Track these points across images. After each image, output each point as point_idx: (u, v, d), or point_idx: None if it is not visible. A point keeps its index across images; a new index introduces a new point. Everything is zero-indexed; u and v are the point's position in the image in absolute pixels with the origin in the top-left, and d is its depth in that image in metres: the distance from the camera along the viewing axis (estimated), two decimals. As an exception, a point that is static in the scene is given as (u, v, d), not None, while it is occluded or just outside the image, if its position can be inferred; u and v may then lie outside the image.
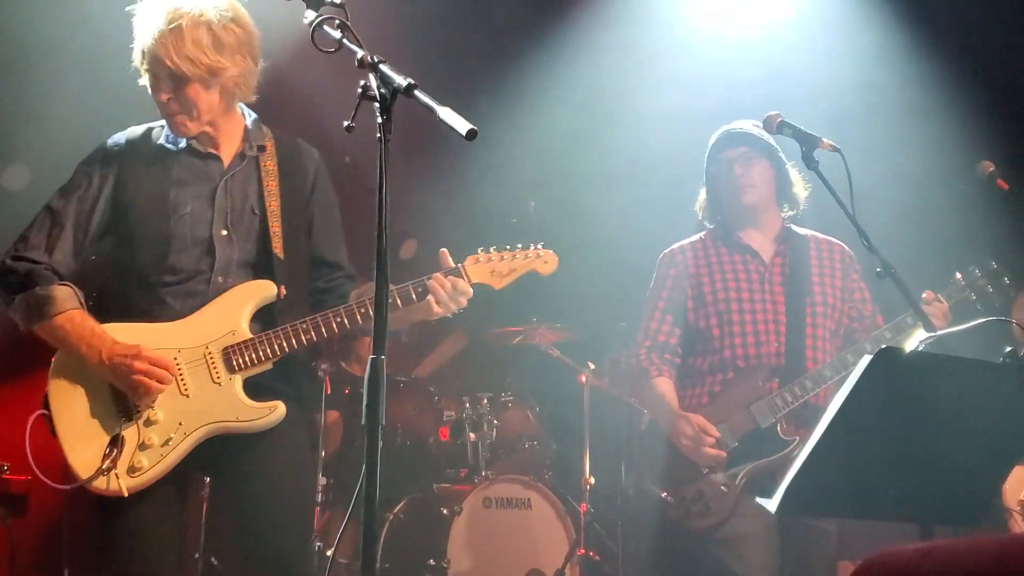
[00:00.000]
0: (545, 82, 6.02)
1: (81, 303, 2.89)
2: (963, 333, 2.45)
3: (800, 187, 3.69)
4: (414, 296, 2.91)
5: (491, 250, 3.03)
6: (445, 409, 5.35)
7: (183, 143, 3.00)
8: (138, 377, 2.78)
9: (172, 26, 2.87)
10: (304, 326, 2.90)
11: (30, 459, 2.81)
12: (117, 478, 2.76)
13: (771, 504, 2.20)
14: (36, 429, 2.82)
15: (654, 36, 5.75)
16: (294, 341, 2.89)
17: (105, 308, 2.92)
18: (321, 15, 2.27)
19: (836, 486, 2.17)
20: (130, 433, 2.81)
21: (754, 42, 5.49)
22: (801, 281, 3.60)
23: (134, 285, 2.92)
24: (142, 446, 2.80)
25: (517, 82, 6.04)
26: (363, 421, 2.01)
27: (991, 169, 3.24)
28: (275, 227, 2.98)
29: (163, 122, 3.04)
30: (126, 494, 2.77)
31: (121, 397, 2.85)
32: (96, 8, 4.58)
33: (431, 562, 4.72)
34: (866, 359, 2.06)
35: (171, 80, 2.91)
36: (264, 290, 2.94)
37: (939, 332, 2.44)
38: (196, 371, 2.87)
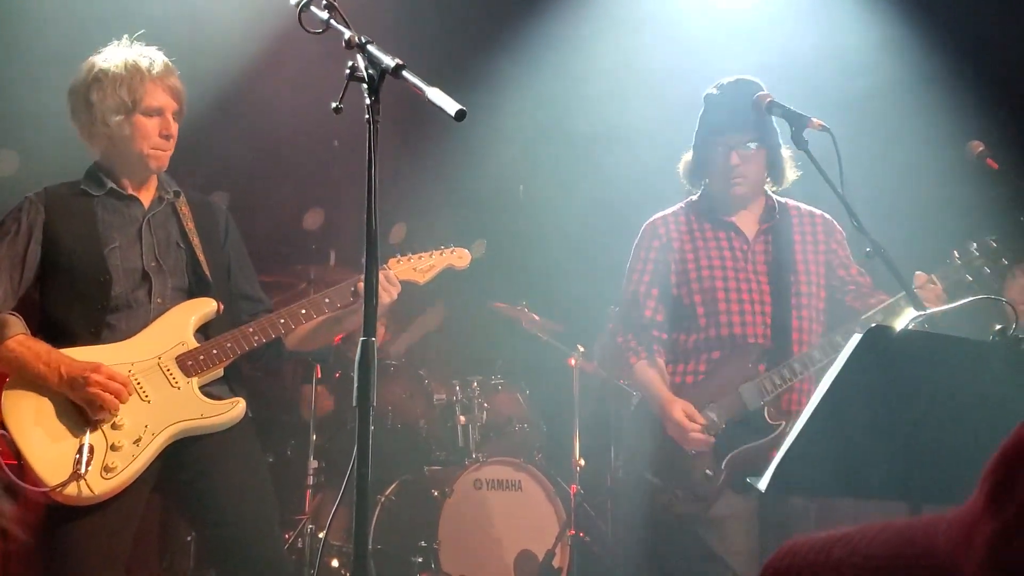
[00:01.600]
0: (534, 66, 6.00)
1: (27, 330, 2.97)
2: (953, 311, 2.45)
3: (791, 168, 3.56)
4: (350, 295, 3.17)
5: (408, 254, 3.36)
6: (435, 392, 5.35)
7: (106, 188, 3.14)
8: (94, 390, 2.86)
9: (168, 68, 3.14)
10: (251, 329, 3.09)
11: (4, 468, 2.81)
12: (88, 485, 2.81)
13: (760, 483, 2.20)
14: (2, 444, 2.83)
15: (644, 21, 5.72)
16: (244, 343, 3.07)
17: (50, 338, 2.99)
18: (308, -5, 2.25)
19: (825, 465, 2.17)
20: (97, 439, 2.87)
21: (743, 22, 5.48)
22: (785, 259, 3.52)
23: (77, 314, 3.01)
24: (113, 447, 2.87)
25: (506, 66, 6.02)
26: (354, 403, 2.00)
27: (980, 149, 3.23)
28: (201, 257, 3.16)
29: (74, 181, 3.17)
30: (97, 494, 2.81)
31: (82, 408, 2.90)
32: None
33: (422, 543, 4.74)
34: (856, 338, 2.06)
35: (176, 114, 3.16)
36: (205, 306, 3.12)
37: (929, 311, 2.45)
38: (152, 378, 2.99)
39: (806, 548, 1.15)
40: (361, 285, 3.06)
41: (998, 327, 2.13)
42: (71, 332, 3.00)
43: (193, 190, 3.34)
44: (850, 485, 2.27)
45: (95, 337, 3.00)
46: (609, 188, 5.79)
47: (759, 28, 5.37)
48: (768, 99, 3.22)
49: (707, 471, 3.33)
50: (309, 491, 4.96)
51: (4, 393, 2.90)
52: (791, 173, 3.57)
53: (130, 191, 3.16)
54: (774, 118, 3.33)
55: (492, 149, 6.06)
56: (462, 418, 5.25)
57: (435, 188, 6.34)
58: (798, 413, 3.26)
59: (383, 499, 4.91)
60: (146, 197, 3.19)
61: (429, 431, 5.32)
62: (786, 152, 3.54)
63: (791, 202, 3.66)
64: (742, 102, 3.41)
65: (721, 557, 3.32)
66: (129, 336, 3.03)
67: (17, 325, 2.97)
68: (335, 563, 4.82)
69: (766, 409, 3.34)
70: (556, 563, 4.97)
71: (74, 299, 3.02)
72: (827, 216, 3.63)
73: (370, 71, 2.09)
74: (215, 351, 3.04)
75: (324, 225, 6.41)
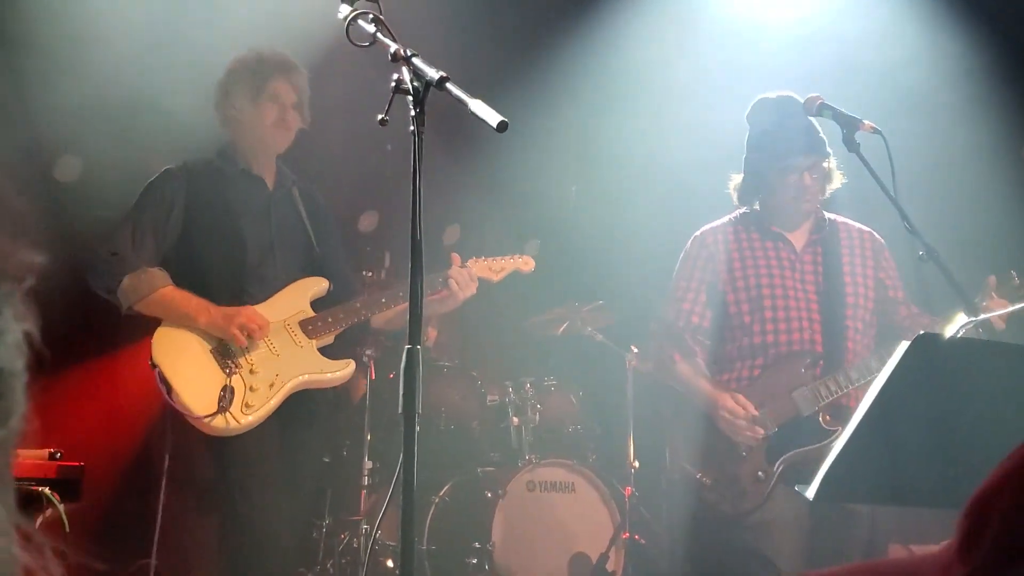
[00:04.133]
0: (588, 67, 5.99)
1: (172, 282, 3.50)
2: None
3: (837, 177, 3.59)
4: (438, 283, 3.61)
5: (482, 257, 3.76)
6: (488, 393, 5.37)
7: (238, 167, 3.65)
8: (242, 320, 3.39)
9: (292, 66, 3.69)
10: (358, 304, 3.60)
11: (171, 404, 3.38)
12: (233, 417, 3.34)
13: (809, 491, 2.19)
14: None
15: (696, 20, 5.70)
16: (353, 315, 3.58)
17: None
18: (355, 10, 2.30)
19: (874, 473, 2.16)
20: (237, 382, 3.41)
21: (793, 21, 5.43)
22: (833, 270, 3.55)
23: (218, 282, 3.51)
24: (251, 389, 3.40)
25: (559, 67, 6.02)
26: (400, 410, 2.04)
27: (1038, 149, 3.17)
28: (313, 239, 3.69)
29: (209, 157, 3.69)
30: (242, 425, 3.34)
31: (223, 356, 3.44)
32: (149, 3, 4.66)
33: (476, 545, 4.76)
34: (904, 345, 2.04)
35: (295, 106, 3.67)
36: (319, 284, 3.64)
37: (981, 317, 2.41)
38: (280, 336, 3.53)
39: None
40: (449, 275, 3.57)
41: (1052, 333, 2.10)
42: (208, 295, 3.47)
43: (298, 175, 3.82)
44: (900, 493, 2.25)
45: (233, 300, 3.49)
46: (663, 188, 5.76)
47: (811, 29, 5.31)
48: (819, 101, 3.20)
49: (759, 473, 3.33)
50: (364, 492, 5.01)
51: (155, 337, 3.42)
52: (837, 180, 3.59)
53: (257, 173, 3.66)
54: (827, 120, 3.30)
55: (545, 150, 6.06)
56: (515, 419, 5.26)
57: (488, 189, 6.36)
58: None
59: (437, 500, 4.94)
60: (270, 179, 3.70)
61: (482, 432, 5.34)
62: (832, 161, 3.57)
63: (839, 218, 3.69)
64: (801, 121, 3.44)
65: (767, 558, 3.31)
66: (257, 303, 3.53)
67: (167, 277, 3.48)
68: (390, 563, 4.87)
69: (821, 415, 3.33)
70: (610, 566, 4.97)
71: (213, 268, 3.51)
72: (875, 234, 3.68)
73: (415, 83, 2.13)
74: (330, 319, 3.55)
75: (379, 228, 6.48)
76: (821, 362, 3.42)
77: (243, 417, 3.37)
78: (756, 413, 3.37)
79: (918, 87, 5.05)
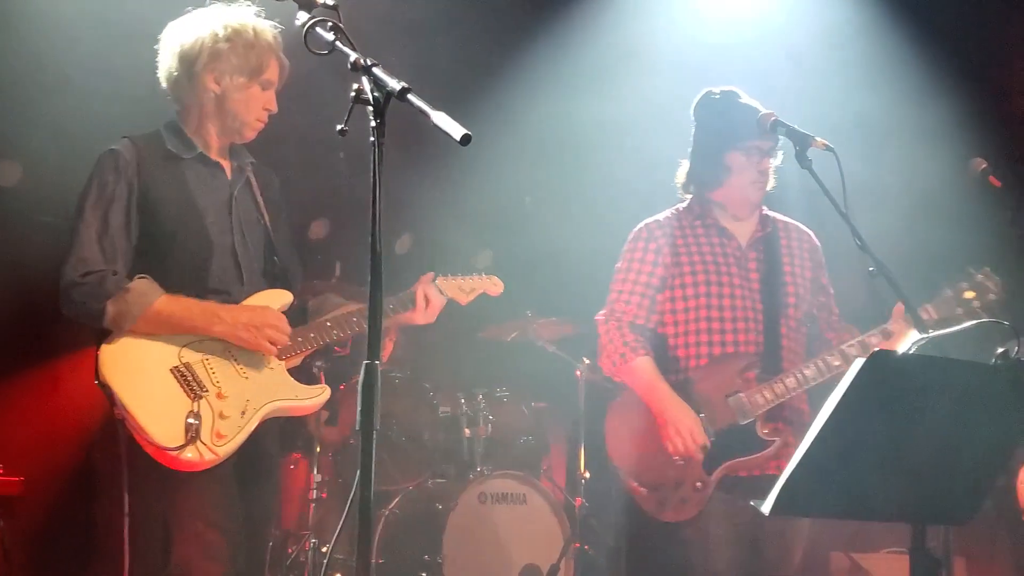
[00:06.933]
0: (540, 77, 6.01)
1: (163, 291, 2.99)
2: (955, 334, 2.45)
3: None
4: (410, 302, 3.28)
5: (453, 275, 3.45)
6: (441, 405, 5.34)
7: (194, 152, 3.13)
8: (271, 333, 3.03)
9: (280, 43, 3.15)
10: (329, 324, 3.19)
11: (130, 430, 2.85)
12: (207, 447, 2.89)
13: (764, 506, 2.20)
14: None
15: (647, 29, 5.74)
16: (324, 336, 3.17)
17: None
18: (314, 17, 2.26)
19: (829, 487, 2.17)
20: (204, 409, 2.94)
21: (747, 38, 5.49)
22: (775, 269, 3.51)
23: (177, 288, 3.01)
24: (221, 416, 2.96)
25: (511, 77, 6.03)
26: (357, 427, 2.00)
27: (983, 167, 3.23)
28: (273, 236, 3.25)
29: (154, 132, 3.15)
30: (218, 457, 2.90)
31: (186, 377, 2.97)
32: (94, 7, 4.57)
33: (426, 558, 4.73)
34: (859, 362, 2.06)
35: (277, 92, 3.19)
36: (284, 299, 3.20)
37: (932, 334, 2.45)
38: (248, 357, 3.08)
39: None
40: (416, 294, 3.26)
41: (1000, 350, 2.13)
42: None
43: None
44: (855, 507, 2.27)
45: None
46: (617, 198, 5.79)
47: (760, 54, 5.37)
48: (772, 118, 3.23)
49: (698, 482, 3.29)
50: (312, 505, 4.95)
51: (103, 353, 2.94)
52: (772, 180, 3.57)
53: (215, 157, 3.17)
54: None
55: (499, 160, 6.06)
56: (467, 431, 5.25)
57: (441, 199, 6.34)
58: (792, 431, 3.31)
59: (386, 512, 4.90)
60: (227, 165, 3.21)
61: (434, 444, 5.32)
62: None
63: (777, 215, 3.67)
64: (751, 111, 3.43)
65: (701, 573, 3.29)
66: None
67: (156, 287, 2.98)
68: (339, 576, 4.82)
69: (758, 424, 3.32)
70: (561, 576, 4.97)
71: (174, 268, 3.04)
72: (812, 236, 3.67)
73: (375, 94, 2.10)
74: (300, 339, 3.14)
75: (329, 236, 6.42)
76: (756, 370, 3.38)
77: (219, 447, 2.91)
78: (706, 442, 3.31)
79: (869, 105, 5.13)
